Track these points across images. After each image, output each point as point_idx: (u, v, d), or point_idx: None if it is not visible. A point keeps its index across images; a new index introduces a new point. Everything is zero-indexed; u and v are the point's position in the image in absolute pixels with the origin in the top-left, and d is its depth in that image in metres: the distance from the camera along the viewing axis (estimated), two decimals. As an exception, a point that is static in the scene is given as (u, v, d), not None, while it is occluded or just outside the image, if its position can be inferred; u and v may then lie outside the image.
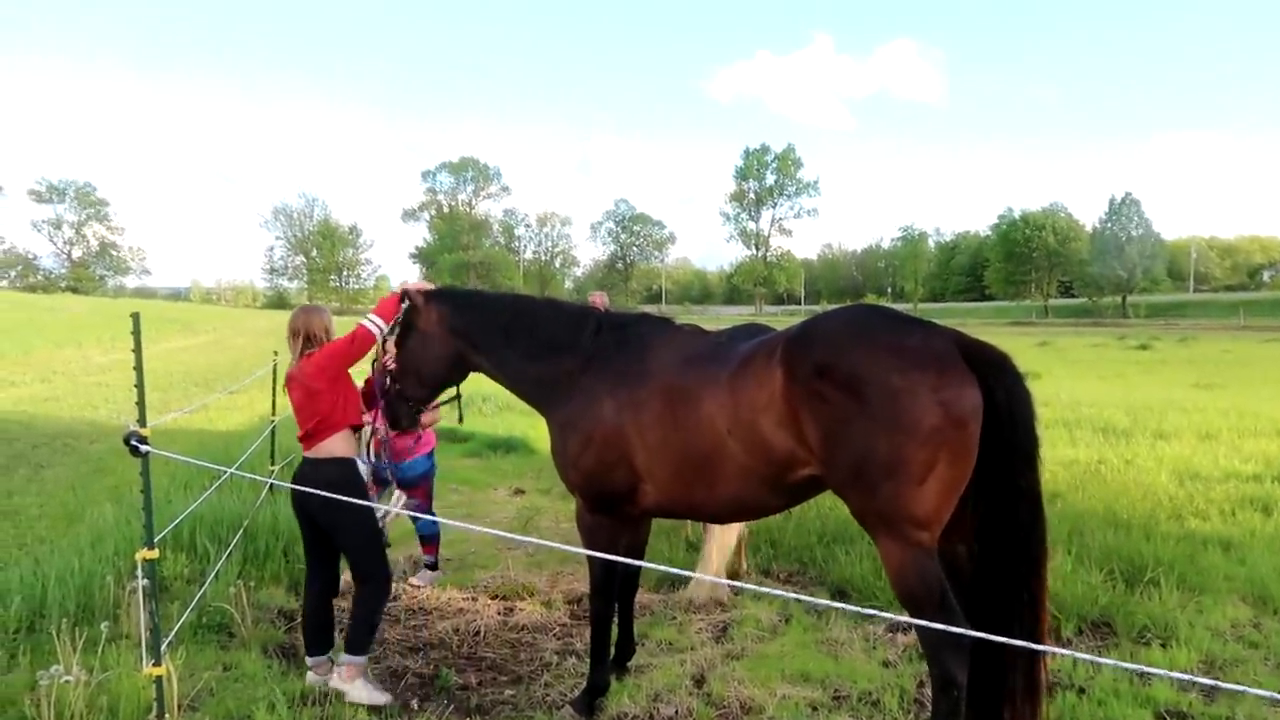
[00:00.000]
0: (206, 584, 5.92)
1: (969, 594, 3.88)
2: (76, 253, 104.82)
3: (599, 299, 11.26)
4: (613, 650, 5.06)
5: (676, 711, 4.69)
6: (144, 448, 4.34)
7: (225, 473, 6.24)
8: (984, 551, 3.87)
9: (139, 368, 4.24)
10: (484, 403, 16.79)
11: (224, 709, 4.64)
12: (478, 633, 5.90)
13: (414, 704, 4.86)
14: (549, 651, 5.60)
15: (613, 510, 4.58)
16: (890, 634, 5.70)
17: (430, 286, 5.04)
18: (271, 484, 4.81)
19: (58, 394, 21.01)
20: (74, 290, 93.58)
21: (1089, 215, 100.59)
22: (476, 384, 5.38)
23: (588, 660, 5.41)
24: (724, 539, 6.42)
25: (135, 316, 3.90)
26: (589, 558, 4.66)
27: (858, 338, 3.80)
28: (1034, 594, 3.83)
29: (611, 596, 4.85)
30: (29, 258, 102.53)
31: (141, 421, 4.34)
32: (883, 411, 3.59)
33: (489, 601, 6.49)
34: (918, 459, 3.56)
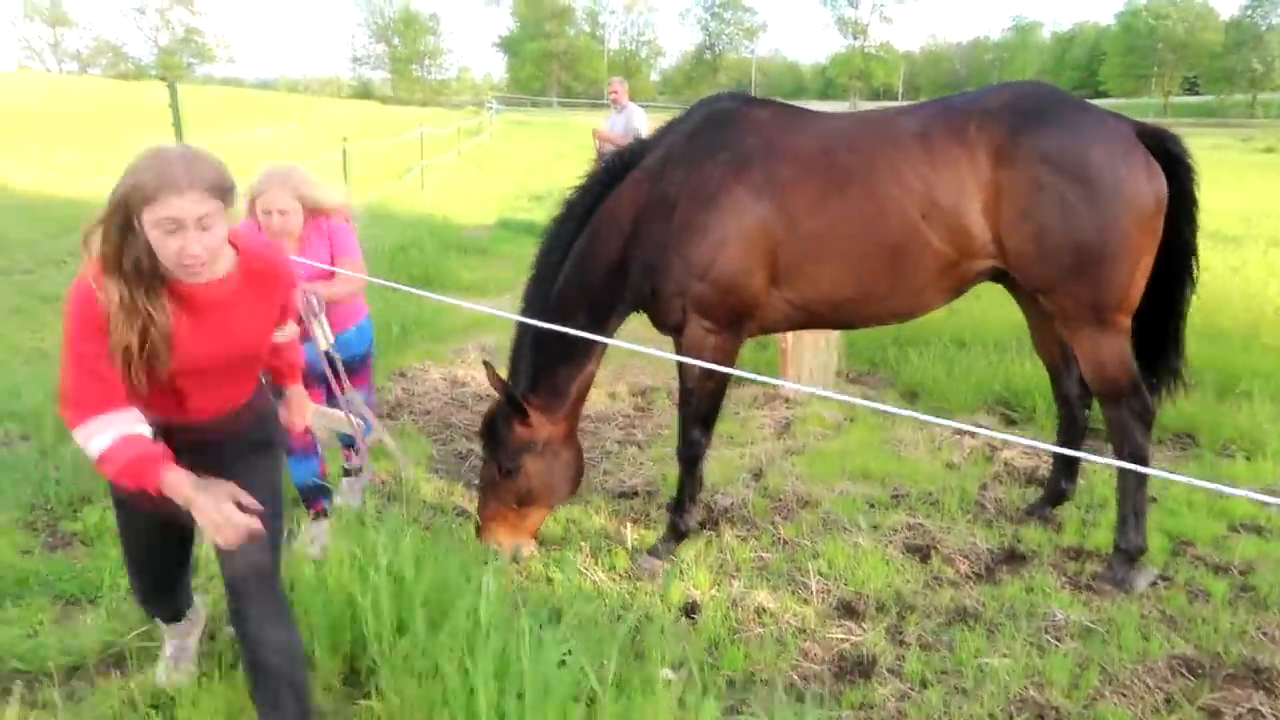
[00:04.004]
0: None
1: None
2: (162, 39, 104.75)
3: (618, 84, 10.84)
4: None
5: (732, 503, 4.70)
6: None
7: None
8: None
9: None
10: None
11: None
12: (541, 420, 5.95)
13: (475, 483, 4.99)
14: (610, 440, 5.65)
15: (735, 327, 3.93)
16: (957, 436, 5.57)
17: None
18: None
19: (150, 181, 21.48)
20: (162, 79, 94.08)
21: (1225, 6, 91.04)
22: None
23: (648, 450, 5.47)
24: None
25: (171, 86, 3.76)
26: (694, 387, 4.04)
27: (1075, 122, 3.67)
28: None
29: (712, 428, 4.20)
30: (118, 46, 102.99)
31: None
32: (1112, 198, 3.56)
33: (554, 391, 6.52)
34: (1138, 245, 3.62)
